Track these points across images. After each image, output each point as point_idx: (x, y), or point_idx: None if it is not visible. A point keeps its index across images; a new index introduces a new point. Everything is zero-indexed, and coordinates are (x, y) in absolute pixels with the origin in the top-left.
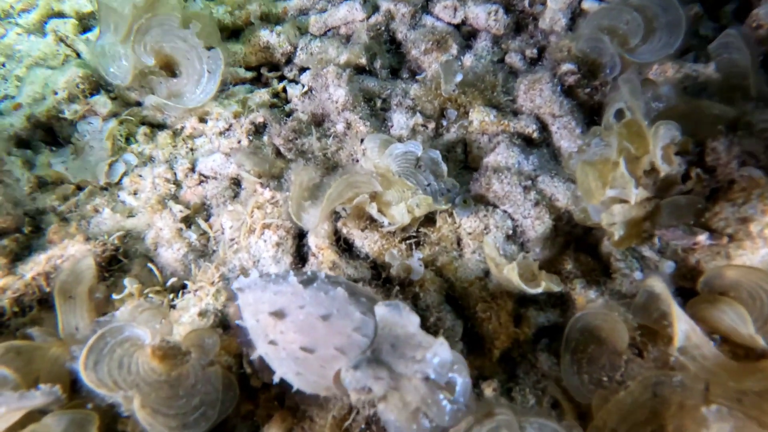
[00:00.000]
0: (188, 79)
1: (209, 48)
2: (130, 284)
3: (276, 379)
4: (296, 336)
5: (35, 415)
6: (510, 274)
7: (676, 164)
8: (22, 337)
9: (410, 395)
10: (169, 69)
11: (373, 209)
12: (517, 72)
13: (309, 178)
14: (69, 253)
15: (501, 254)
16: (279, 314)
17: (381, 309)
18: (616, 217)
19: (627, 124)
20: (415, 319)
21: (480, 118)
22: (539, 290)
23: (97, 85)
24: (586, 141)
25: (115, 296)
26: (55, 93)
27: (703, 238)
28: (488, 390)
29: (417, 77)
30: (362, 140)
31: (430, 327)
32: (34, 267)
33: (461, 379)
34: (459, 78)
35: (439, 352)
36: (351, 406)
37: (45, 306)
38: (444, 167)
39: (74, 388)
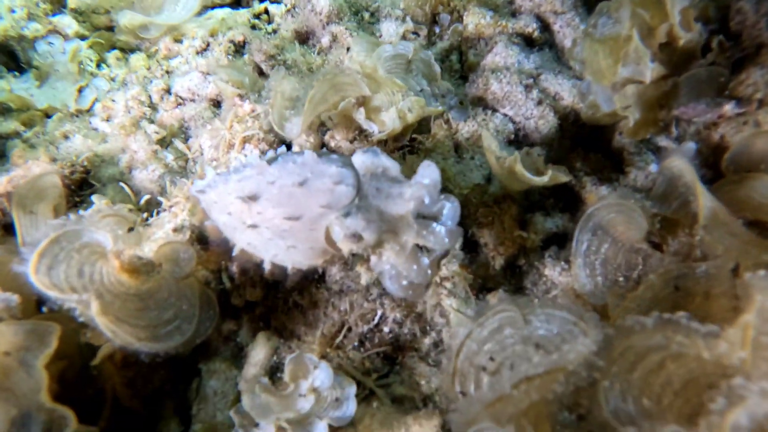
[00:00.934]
0: None
1: None
2: (98, 200)
3: (267, 265)
4: (276, 210)
5: None
6: (513, 164)
7: (697, 31)
8: None
9: (405, 234)
10: None
11: (360, 115)
12: None
13: (291, 87)
14: (33, 173)
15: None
16: (252, 197)
17: (359, 156)
18: (630, 99)
19: None
20: (395, 164)
21: (475, 20)
22: (545, 179)
23: (60, 4)
24: (592, 22)
25: (82, 212)
26: (12, 11)
27: (729, 107)
28: (494, 300)
29: None
30: (348, 49)
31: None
32: None
33: (449, 203)
34: None
35: (427, 173)
36: (342, 322)
37: (9, 231)
38: (437, 69)
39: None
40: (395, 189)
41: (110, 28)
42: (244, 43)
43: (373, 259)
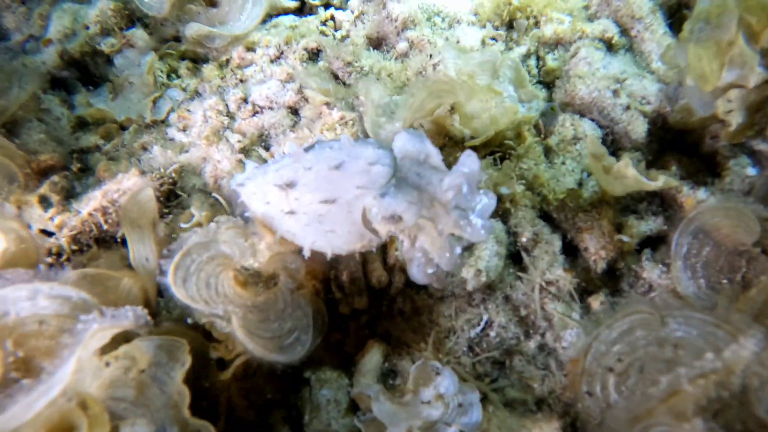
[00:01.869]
0: (229, 6)
1: None
2: (197, 212)
3: (306, 252)
4: (313, 195)
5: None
6: (624, 170)
7: None
8: None
9: (442, 221)
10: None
11: (455, 122)
12: None
13: (380, 95)
14: (125, 186)
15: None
16: (289, 185)
17: (402, 135)
18: (734, 104)
19: None
20: (437, 152)
21: (554, 25)
22: (660, 184)
23: (131, 18)
24: (688, 28)
25: (183, 224)
26: (87, 28)
27: None
28: (596, 304)
29: None
30: (431, 55)
31: (525, 243)
32: (89, 202)
33: (487, 198)
34: None
35: (468, 162)
36: (449, 327)
37: (102, 244)
38: (525, 75)
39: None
40: (436, 176)
41: (177, 38)
42: (318, 50)
43: (406, 243)
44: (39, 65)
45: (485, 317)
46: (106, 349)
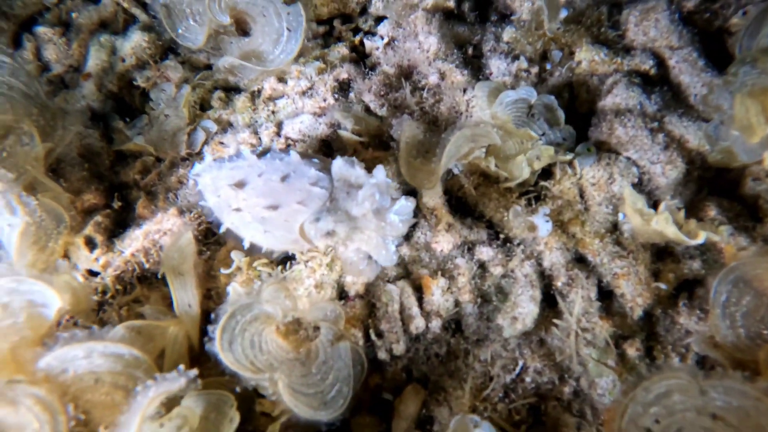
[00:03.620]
0: (263, 37)
1: (289, 3)
2: (237, 257)
3: (246, 243)
4: (259, 199)
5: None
6: (663, 225)
7: None
8: (135, 316)
9: (368, 228)
10: (240, 27)
11: (491, 164)
12: (620, 3)
13: (413, 134)
14: (165, 227)
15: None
16: (239, 184)
17: (338, 161)
18: None
19: None
20: (365, 174)
21: (589, 57)
22: (700, 241)
23: (164, 49)
24: (732, 70)
25: (223, 270)
26: (123, 60)
27: None
28: (631, 350)
29: (511, 18)
30: (464, 90)
31: (561, 287)
32: (132, 243)
33: (404, 201)
34: (564, 14)
35: (376, 174)
36: (485, 372)
37: (145, 283)
38: (561, 114)
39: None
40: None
41: (208, 66)
42: (349, 80)
43: (341, 249)
44: (79, 99)
45: (521, 363)
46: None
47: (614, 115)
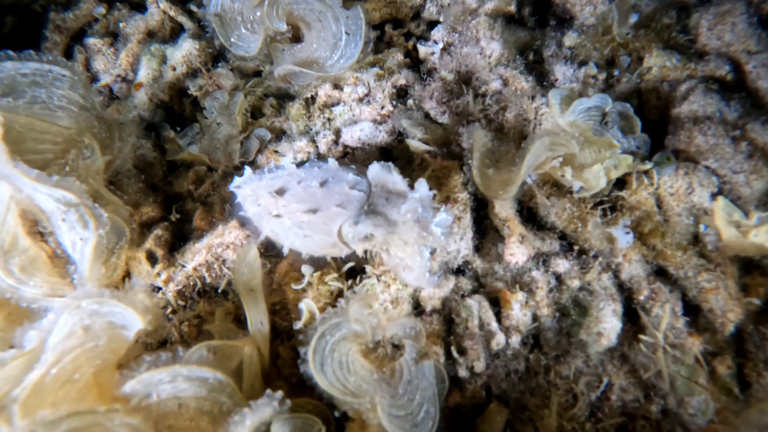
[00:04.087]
0: (318, 43)
1: (348, 7)
2: (307, 272)
3: (285, 250)
4: (299, 205)
5: None
6: (765, 238)
7: None
8: (198, 332)
9: (407, 234)
10: (292, 33)
11: (567, 173)
12: (687, 6)
13: (484, 142)
14: (227, 240)
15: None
16: (279, 192)
17: (374, 167)
18: None
19: None
20: (403, 180)
21: (660, 63)
22: None
23: (213, 56)
24: None
25: (294, 286)
26: (174, 69)
27: None
28: (721, 368)
29: (571, 23)
30: (532, 97)
31: (643, 302)
32: (195, 257)
33: (444, 214)
34: (635, 18)
35: (419, 189)
36: (568, 390)
37: (204, 297)
38: (637, 121)
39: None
40: (400, 200)
41: (258, 73)
42: (407, 87)
43: (385, 256)
44: (131, 109)
45: (606, 380)
46: None
47: (692, 123)
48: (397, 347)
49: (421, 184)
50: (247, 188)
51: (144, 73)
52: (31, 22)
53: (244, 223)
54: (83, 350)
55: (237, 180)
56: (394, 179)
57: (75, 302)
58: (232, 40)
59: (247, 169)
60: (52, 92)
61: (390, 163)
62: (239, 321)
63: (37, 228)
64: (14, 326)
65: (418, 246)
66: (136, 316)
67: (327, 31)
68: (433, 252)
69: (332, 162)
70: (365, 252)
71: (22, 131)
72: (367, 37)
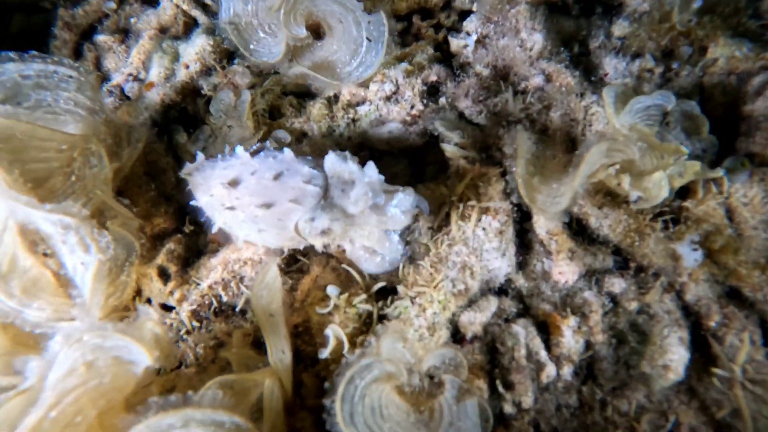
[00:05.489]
0: (338, 45)
1: (370, 11)
2: (333, 294)
3: (240, 242)
4: (252, 198)
5: None
6: None
7: None
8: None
9: (365, 223)
10: (313, 31)
11: (624, 182)
12: None
13: (529, 148)
14: (245, 256)
15: None
16: (233, 183)
17: (330, 156)
18: None
19: None
20: (358, 167)
21: (728, 53)
22: None
23: (229, 52)
24: None
25: (320, 310)
26: (187, 67)
27: None
28: None
29: (621, 10)
30: (581, 95)
31: (715, 329)
32: (210, 274)
33: (402, 194)
34: (699, 4)
35: (368, 172)
36: (630, 429)
37: (221, 316)
38: (705, 121)
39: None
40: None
41: (276, 71)
42: (438, 83)
43: (348, 247)
44: (142, 111)
45: (673, 418)
46: None
47: None
48: (433, 378)
49: (370, 168)
50: (198, 176)
51: (155, 72)
52: (40, 20)
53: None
54: (86, 389)
55: (188, 166)
56: (350, 168)
57: (76, 335)
58: (252, 47)
59: (200, 155)
60: (58, 95)
61: (346, 153)
62: (259, 344)
63: (39, 248)
64: (20, 348)
65: (382, 231)
66: (144, 351)
67: (348, 35)
68: (402, 234)
69: (288, 152)
70: (400, 270)
71: (23, 139)
72: (390, 46)
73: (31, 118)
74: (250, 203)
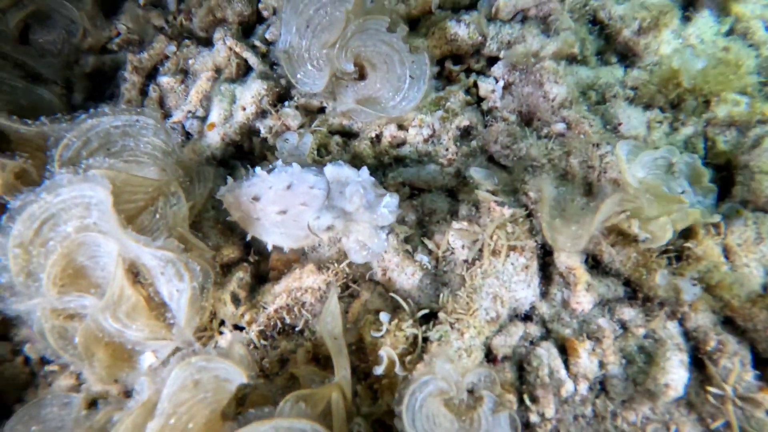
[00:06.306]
0: (382, 83)
1: (414, 52)
2: (384, 319)
3: (269, 246)
4: (272, 207)
5: None
6: None
7: None
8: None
9: (360, 219)
10: (358, 71)
11: (634, 226)
12: (757, 45)
13: (551, 192)
14: (306, 285)
15: None
16: (255, 198)
17: (328, 167)
18: None
19: None
20: (354, 172)
21: (728, 107)
22: None
23: (279, 95)
24: None
25: (374, 333)
26: (244, 109)
27: None
28: None
29: (633, 61)
30: (597, 145)
31: (710, 353)
32: (275, 300)
33: (389, 197)
34: (702, 65)
35: (362, 174)
36: None
37: (284, 335)
38: (705, 172)
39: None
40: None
41: (321, 110)
42: (469, 128)
43: (344, 239)
44: (205, 150)
45: (674, 428)
46: None
47: (764, 174)
48: (472, 392)
49: (363, 171)
50: (229, 197)
51: (216, 113)
52: (109, 60)
53: (321, 267)
54: (194, 402)
55: (222, 189)
56: (346, 173)
57: (186, 359)
58: (299, 76)
59: (229, 179)
60: (138, 140)
61: (340, 161)
62: (317, 360)
63: (138, 278)
64: (118, 362)
65: (373, 228)
66: (239, 372)
67: (392, 74)
68: (389, 232)
69: (296, 166)
70: (440, 298)
71: (120, 186)
72: (431, 83)
73: (125, 167)
74: (271, 211)
